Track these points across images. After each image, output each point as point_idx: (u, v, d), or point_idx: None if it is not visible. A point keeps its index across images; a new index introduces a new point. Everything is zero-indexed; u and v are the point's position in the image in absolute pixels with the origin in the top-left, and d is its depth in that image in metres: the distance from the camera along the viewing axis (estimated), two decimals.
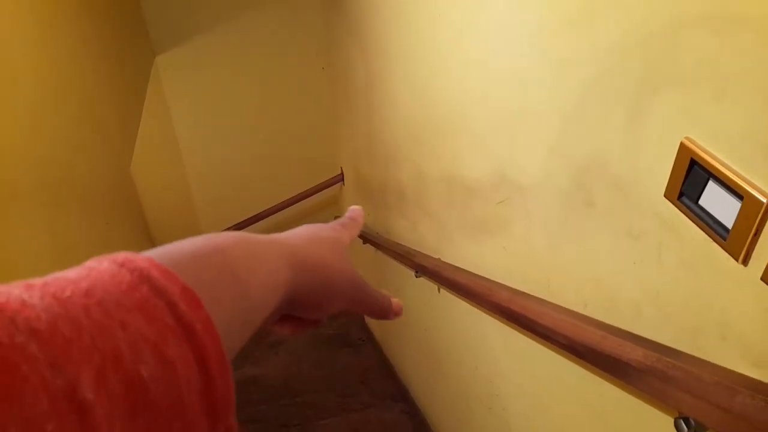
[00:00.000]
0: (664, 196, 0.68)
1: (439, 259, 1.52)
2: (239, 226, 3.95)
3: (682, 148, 0.65)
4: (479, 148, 1.19)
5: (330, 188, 3.86)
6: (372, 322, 3.34)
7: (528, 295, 0.97)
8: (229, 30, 3.86)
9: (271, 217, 3.98)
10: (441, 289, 1.59)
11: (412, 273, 1.77)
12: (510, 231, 1.10)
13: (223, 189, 4.22)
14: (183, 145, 4.06)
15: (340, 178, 3.68)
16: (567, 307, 0.89)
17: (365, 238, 2.53)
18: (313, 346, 3.39)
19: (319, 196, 3.95)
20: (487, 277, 1.20)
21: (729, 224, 0.60)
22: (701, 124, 0.63)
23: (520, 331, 1.10)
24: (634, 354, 0.64)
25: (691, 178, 0.65)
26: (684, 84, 0.64)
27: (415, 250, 1.71)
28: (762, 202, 0.54)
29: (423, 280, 1.68)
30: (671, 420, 0.62)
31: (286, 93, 4.09)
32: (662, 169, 0.68)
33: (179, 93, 3.94)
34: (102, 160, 2.15)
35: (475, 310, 1.34)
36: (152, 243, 2.64)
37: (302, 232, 0.36)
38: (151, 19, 3.60)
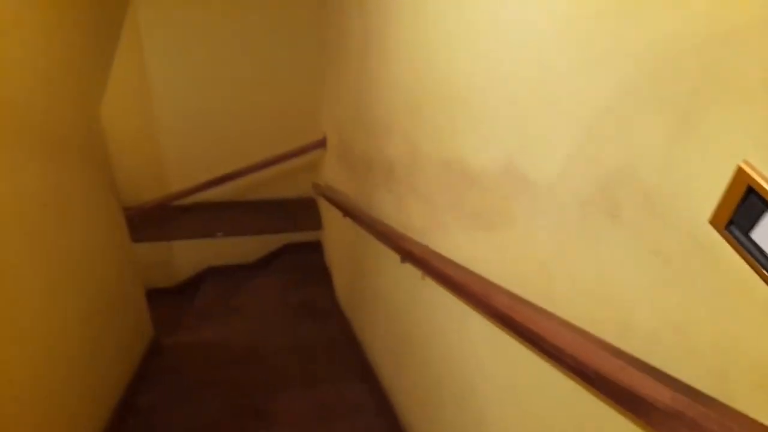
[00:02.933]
0: (710, 221, 0.61)
1: (426, 246, 1.45)
2: (211, 184, 3.79)
3: (739, 172, 0.58)
4: (487, 134, 1.10)
5: (310, 153, 3.72)
6: (342, 297, 3.28)
7: (532, 304, 0.90)
8: None
9: (244, 177, 3.82)
10: (426, 277, 1.52)
11: (394, 253, 1.70)
12: (512, 229, 1.02)
13: (194, 141, 4.03)
14: (155, 91, 3.83)
15: (321, 143, 3.54)
16: (571, 321, 0.83)
17: (346, 210, 2.43)
18: (278, 312, 3.32)
19: (298, 159, 3.81)
20: (478, 273, 1.13)
21: None
22: (765, 148, 0.56)
23: (510, 335, 1.04)
24: (659, 394, 0.58)
25: (745, 207, 0.58)
26: (750, 101, 0.57)
27: (401, 233, 1.63)
28: None
29: (408, 265, 1.60)
30: None
31: (273, 47, 3.89)
32: (710, 191, 0.60)
33: (156, 33, 3.68)
34: (68, 100, 1.97)
35: (461, 303, 1.27)
36: (116, 193, 2.48)
37: None
38: None
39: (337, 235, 3.33)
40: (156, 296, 3.17)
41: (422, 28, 1.39)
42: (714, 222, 0.61)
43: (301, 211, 4.30)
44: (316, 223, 4.18)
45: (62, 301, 1.76)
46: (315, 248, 4.33)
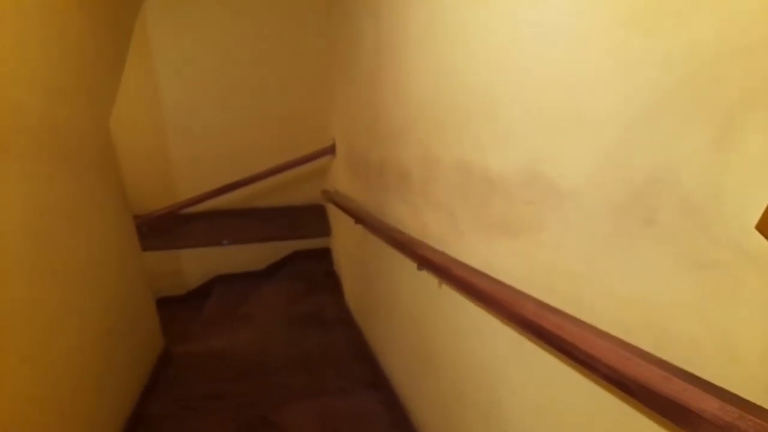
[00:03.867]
0: (756, 227, 0.59)
1: (445, 253, 1.43)
2: (219, 192, 3.78)
3: None
4: (509, 139, 1.08)
5: (318, 160, 3.71)
6: (352, 305, 3.26)
7: (561, 311, 0.88)
8: None
9: (253, 185, 3.81)
10: (442, 284, 1.50)
11: (410, 261, 1.68)
12: (537, 236, 1.00)
13: (203, 149, 4.03)
14: (165, 98, 3.85)
15: (330, 150, 3.53)
16: (605, 329, 0.81)
17: (358, 217, 2.42)
18: (287, 321, 3.30)
19: (306, 166, 3.79)
20: (503, 281, 1.11)
21: None
22: None
23: (538, 344, 1.02)
24: (706, 404, 0.56)
25: None
26: None
27: (418, 240, 1.61)
28: None
29: (424, 272, 1.58)
30: None
31: (281, 55, 3.90)
32: (755, 197, 0.58)
33: (166, 41, 3.70)
34: (81, 109, 1.97)
35: (484, 311, 1.25)
36: (127, 202, 2.47)
37: None
38: None
39: (346, 241, 3.32)
40: (165, 305, 3.16)
41: (439, 33, 1.38)
42: (761, 227, 0.59)
43: (309, 218, 4.29)
44: (325, 230, 4.17)
45: (76, 312, 1.75)
46: (323, 255, 4.32)
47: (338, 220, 3.47)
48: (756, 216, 0.58)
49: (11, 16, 1.44)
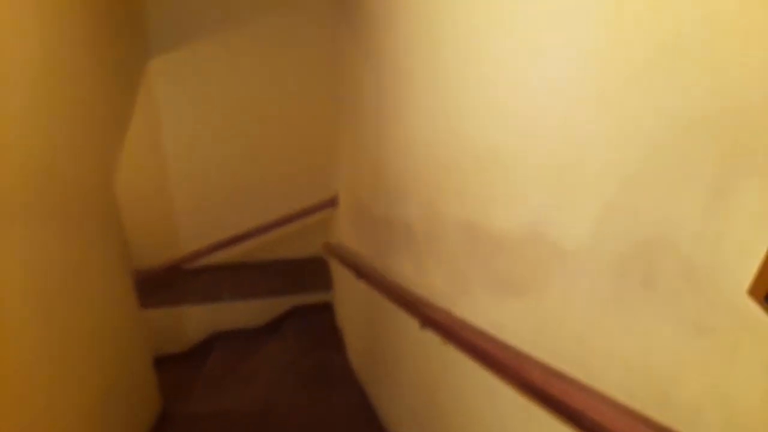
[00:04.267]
0: (748, 292, 0.61)
1: (449, 312, 1.43)
2: (221, 246, 3.81)
3: None
4: (512, 199, 1.11)
5: (322, 211, 3.75)
6: (356, 363, 3.20)
7: (568, 377, 0.88)
8: (231, 38, 3.77)
9: (257, 237, 3.84)
10: (447, 343, 1.49)
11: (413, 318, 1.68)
12: (544, 296, 1.02)
13: (208, 204, 4.08)
14: (169, 154, 3.93)
15: (333, 202, 3.58)
16: (608, 394, 0.81)
17: (360, 272, 2.42)
18: (290, 382, 3.23)
19: (307, 218, 3.83)
20: (508, 341, 1.11)
21: None
22: None
23: (545, 410, 1.01)
24: None
25: None
26: None
27: (421, 299, 1.62)
28: None
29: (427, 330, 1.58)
30: None
31: (284, 108, 4.00)
32: (749, 261, 0.60)
33: (170, 95, 3.81)
34: (87, 168, 2.01)
35: (486, 372, 1.25)
36: (128, 262, 2.48)
37: None
38: (152, 20, 3.51)
39: (349, 296, 3.30)
40: (166, 363, 3.12)
41: (439, 86, 1.43)
42: (753, 293, 0.61)
43: (310, 272, 4.28)
44: (327, 284, 4.15)
45: (74, 376, 1.73)
46: (324, 310, 4.28)
47: (341, 273, 3.47)
48: (749, 279, 0.60)
49: (22, 79, 1.50)
